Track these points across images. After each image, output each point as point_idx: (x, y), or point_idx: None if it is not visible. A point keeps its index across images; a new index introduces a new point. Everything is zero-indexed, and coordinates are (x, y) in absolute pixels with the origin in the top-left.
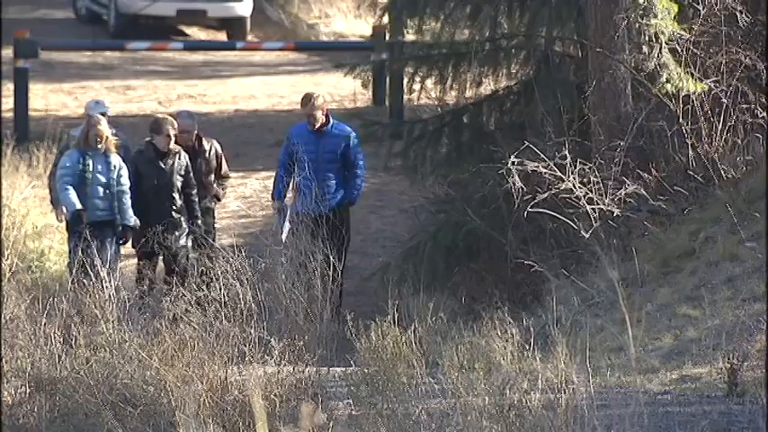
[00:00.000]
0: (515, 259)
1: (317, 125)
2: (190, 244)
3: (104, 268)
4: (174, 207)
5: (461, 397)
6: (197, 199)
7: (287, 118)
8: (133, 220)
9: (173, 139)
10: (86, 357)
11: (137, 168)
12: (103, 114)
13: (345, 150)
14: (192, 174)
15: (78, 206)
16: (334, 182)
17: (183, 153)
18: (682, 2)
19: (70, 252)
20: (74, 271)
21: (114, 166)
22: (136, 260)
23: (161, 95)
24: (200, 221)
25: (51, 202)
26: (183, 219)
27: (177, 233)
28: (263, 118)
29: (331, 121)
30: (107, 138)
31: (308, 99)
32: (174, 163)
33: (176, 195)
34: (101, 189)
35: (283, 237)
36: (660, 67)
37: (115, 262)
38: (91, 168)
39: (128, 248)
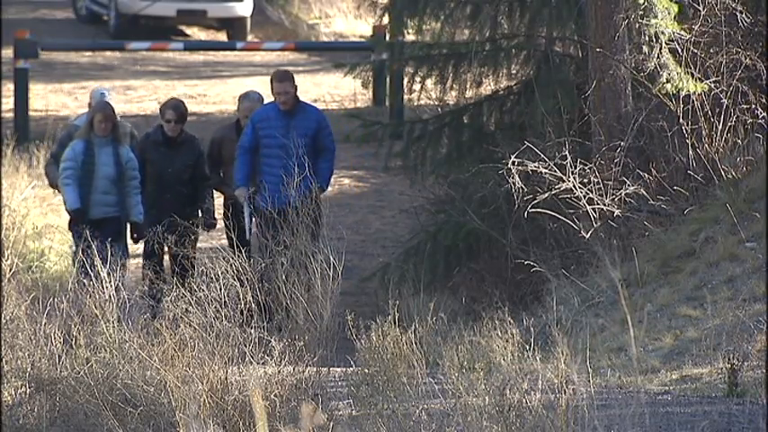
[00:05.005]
0: (515, 259)
1: (290, 105)
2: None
3: (105, 268)
4: (180, 201)
5: (461, 397)
6: (210, 191)
7: None
8: (141, 216)
9: (173, 124)
10: (86, 357)
11: (143, 155)
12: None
13: (317, 133)
14: (204, 163)
15: (78, 205)
16: (307, 167)
17: (196, 140)
18: (682, 2)
19: (75, 253)
20: (76, 272)
21: (122, 158)
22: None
23: (161, 96)
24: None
25: (51, 185)
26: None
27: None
28: None
29: (300, 101)
30: (114, 125)
31: (284, 74)
32: (182, 151)
33: (183, 188)
34: (107, 182)
35: (248, 235)
36: (660, 68)
37: (123, 260)
38: (97, 159)
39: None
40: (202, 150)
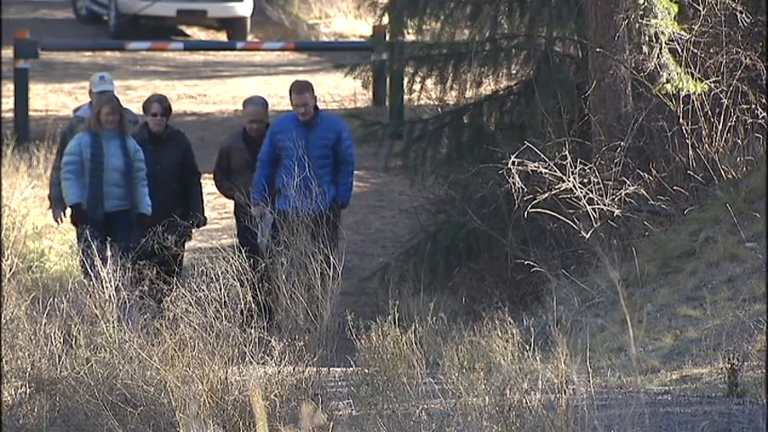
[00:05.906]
0: (515, 259)
1: (310, 116)
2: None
3: (105, 268)
4: (172, 198)
5: (461, 397)
6: (201, 187)
7: None
8: (149, 208)
9: (158, 118)
10: (86, 357)
11: None
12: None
13: (337, 144)
14: (194, 158)
15: (78, 200)
16: (325, 179)
17: (182, 135)
18: (682, 2)
19: (81, 252)
20: (87, 271)
21: (130, 149)
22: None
23: None
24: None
25: (49, 197)
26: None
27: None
28: None
29: (320, 111)
30: (122, 116)
31: (304, 86)
32: (170, 147)
33: (174, 184)
34: (117, 175)
35: (261, 240)
36: (660, 68)
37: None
38: (105, 152)
39: None
40: (189, 144)
